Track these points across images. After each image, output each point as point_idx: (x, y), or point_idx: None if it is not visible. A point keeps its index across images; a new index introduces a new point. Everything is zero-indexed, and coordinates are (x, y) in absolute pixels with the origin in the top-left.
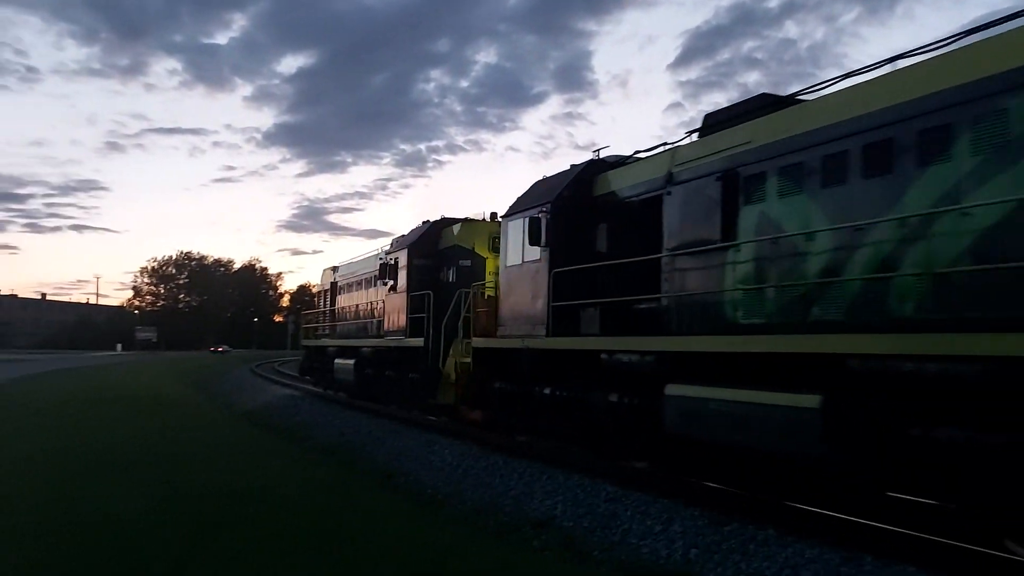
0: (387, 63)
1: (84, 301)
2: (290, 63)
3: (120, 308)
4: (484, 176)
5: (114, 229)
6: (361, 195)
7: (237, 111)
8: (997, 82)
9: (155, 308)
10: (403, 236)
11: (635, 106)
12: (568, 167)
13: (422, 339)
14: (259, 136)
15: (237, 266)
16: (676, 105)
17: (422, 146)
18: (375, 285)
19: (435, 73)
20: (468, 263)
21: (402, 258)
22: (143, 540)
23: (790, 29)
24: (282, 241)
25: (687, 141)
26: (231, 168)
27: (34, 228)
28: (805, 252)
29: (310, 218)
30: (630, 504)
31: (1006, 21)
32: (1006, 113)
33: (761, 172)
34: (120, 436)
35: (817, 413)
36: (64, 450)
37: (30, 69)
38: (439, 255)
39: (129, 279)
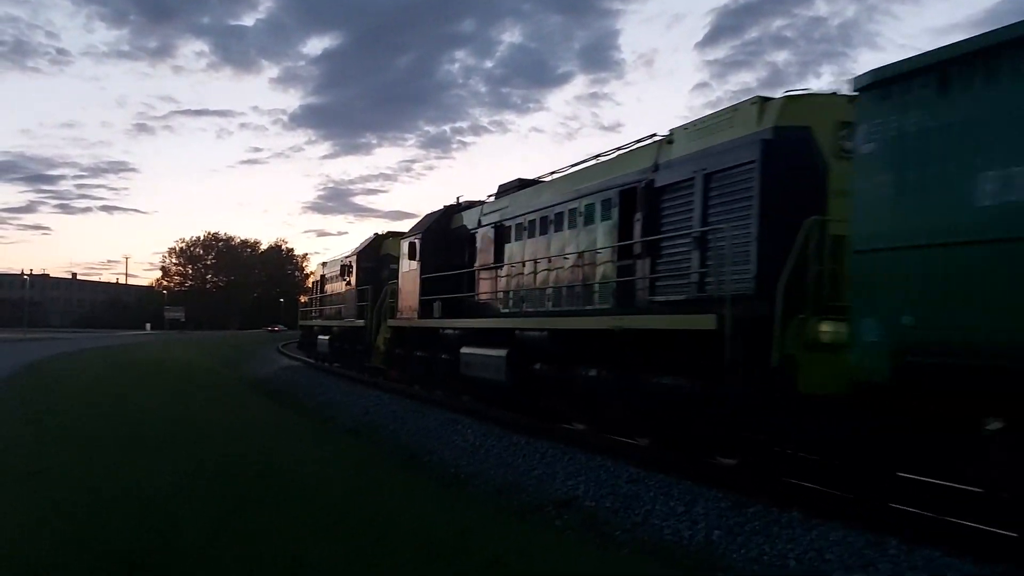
0: (412, 44)
1: (114, 281)
2: (316, 45)
3: (149, 288)
4: (508, 157)
5: (143, 210)
6: (386, 177)
7: (263, 93)
8: (585, 191)
9: (183, 288)
10: (358, 245)
11: (661, 86)
12: (442, 207)
13: (364, 321)
14: (285, 118)
15: (264, 247)
16: (703, 85)
17: (446, 127)
18: (342, 280)
19: (460, 54)
20: (395, 266)
21: (354, 261)
22: (174, 515)
23: (820, 7)
24: (308, 222)
25: (491, 200)
26: (258, 150)
27: (65, 209)
28: (520, 272)
29: (335, 200)
30: (652, 485)
31: (618, 150)
32: (593, 207)
33: (511, 226)
34: (151, 413)
35: (504, 359)
36: (97, 427)
37: (61, 52)
38: (379, 260)
39: (158, 259)
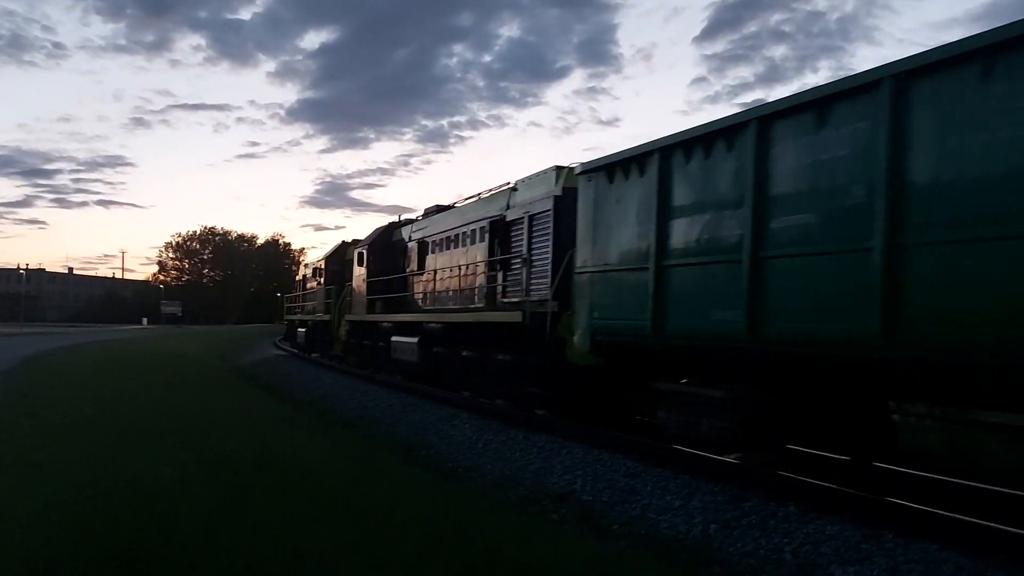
0: (409, 38)
1: (110, 275)
2: (313, 39)
3: (145, 282)
4: (506, 152)
5: (140, 204)
6: (383, 171)
7: (261, 87)
8: (471, 219)
9: (180, 283)
10: (328, 250)
11: (659, 80)
12: (387, 223)
13: (329, 315)
14: (282, 112)
15: (260, 241)
16: (701, 79)
17: (444, 122)
18: (315, 280)
19: (458, 48)
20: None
21: (323, 264)
22: (174, 507)
23: (819, 1)
24: (305, 217)
25: (423, 220)
26: (255, 144)
27: (62, 203)
28: (432, 279)
29: (333, 194)
30: (650, 479)
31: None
32: (475, 232)
33: (429, 241)
34: (149, 406)
35: (416, 345)
36: (95, 419)
37: (57, 45)
38: (343, 263)
39: (154, 254)
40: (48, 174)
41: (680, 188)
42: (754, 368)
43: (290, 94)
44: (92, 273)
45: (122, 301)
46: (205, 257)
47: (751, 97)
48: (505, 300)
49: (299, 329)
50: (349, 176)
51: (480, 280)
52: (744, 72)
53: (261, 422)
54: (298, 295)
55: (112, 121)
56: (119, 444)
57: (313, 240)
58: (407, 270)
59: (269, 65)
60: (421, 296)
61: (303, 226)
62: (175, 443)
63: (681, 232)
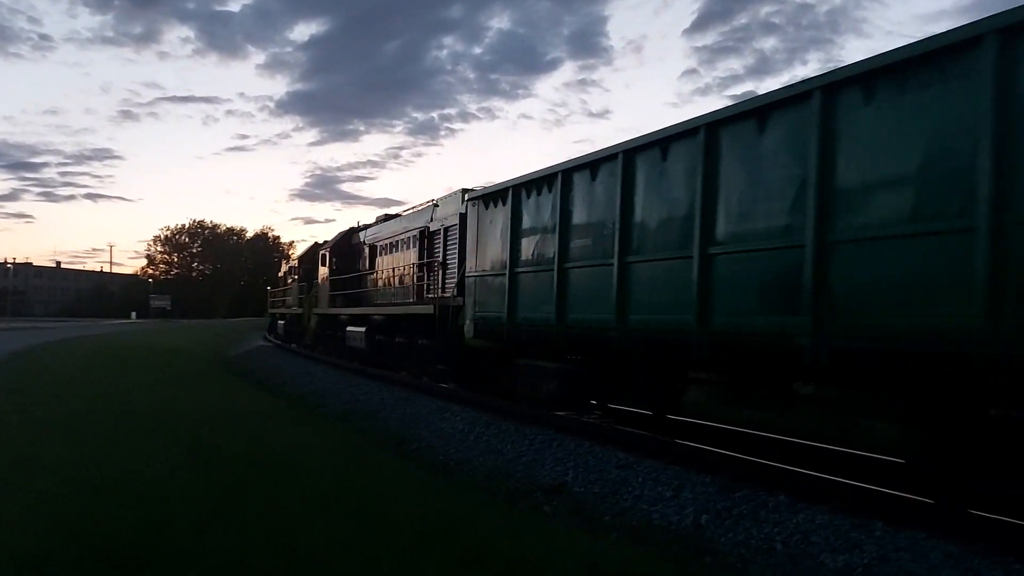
0: (400, 30)
1: (98, 269)
2: (303, 31)
3: (134, 276)
4: (497, 144)
5: (128, 198)
6: (373, 164)
7: (250, 79)
8: (407, 227)
9: (169, 276)
10: (303, 250)
11: (650, 72)
12: (348, 228)
13: (302, 309)
14: (272, 105)
15: (250, 235)
16: (691, 72)
17: (434, 114)
18: (292, 276)
19: (448, 40)
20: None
21: (298, 263)
22: (168, 501)
23: None
24: (295, 210)
25: (375, 226)
26: (244, 137)
27: (49, 197)
28: (378, 277)
29: (323, 187)
30: (641, 471)
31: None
32: (409, 239)
33: (378, 245)
34: (139, 401)
35: (364, 334)
36: (85, 415)
37: (43, 37)
38: (314, 262)
39: (143, 247)
40: (35, 167)
41: (526, 216)
42: (566, 347)
43: (280, 86)
44: (80, 267)
45: (111, 295)
46: (194, 251)
47: (741, 89)
48: (428, 296)
49: (279, 321)
50: (339, 169)
51: (410, 280)
52: (734, 64)
53: (252, 417)
54: (279, 290)
55: (99, 114)
56: (109, 440)
57: (303, 233)
58: (362, 270)
59: (258, 57)
60: (371, 292)
61: (293, 219)
62: (166, 439)
63: (524, 248)
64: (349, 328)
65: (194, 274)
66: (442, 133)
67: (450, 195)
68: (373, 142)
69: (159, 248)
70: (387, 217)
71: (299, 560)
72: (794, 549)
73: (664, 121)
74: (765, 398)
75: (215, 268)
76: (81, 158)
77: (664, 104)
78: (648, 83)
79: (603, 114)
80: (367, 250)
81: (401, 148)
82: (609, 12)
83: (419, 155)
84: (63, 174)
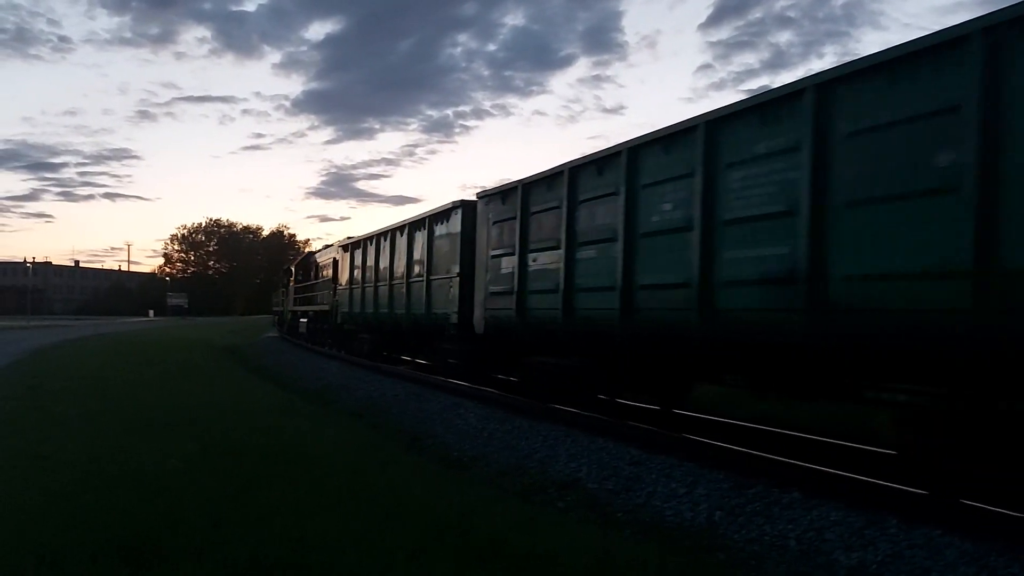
0: (414, 28)
1: (116, 268)
2: (318, 30)
3: (151, 275)
4: (511, 140)
5: (146, 197)
6: (388, 162)
7: (266, 79)
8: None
9: (185, 275)
10: (298, 259)
11: (664, 68)
12: (306, 252)
13: (284, 307)
14: (287, 103)
15: (266, 233)
16: (706, 67)
17: (449, 111)
18: (287, 279)
19: (462, 37)
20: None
21: (292, 268)
22: (181, 496)
23: None
24: (310, 208)
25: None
26: (260, 136)
27: (68, 196)
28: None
29: (338, 185)
30: (655, 467)
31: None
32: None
33: (320, 264)
34: (154, 397)
35: (306, 323)
36: (102, 410)
37: (62, 39)
38: (292, 272)
39: (160, 246)
40: (54, 167)
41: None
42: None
43: (295, 85)
44: (98, 266)
45: (128, 294)
46: (210, 249)
47: (757, 83)
48: (333, 299)
49: (276, 317)
50: (354, 167)
51: (326, 288)
52: (750, 59)
53: (267, 412)
54: (280, 290)
55: (117, 114)
56: (126, 435)
57: (319, 231)
58: (312, 280)
59: (274, 56)
60: (310, 297)
61: (308, 217)
62: (181, 434)
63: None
64: (301, 320)
65: (210, 272)
66: (456, 130)
67: (332, 246)
68: (388, 140)
69: (176, 247)
70: (326, 246)
71: (313, 553)
72: (808, 546)
73: (676, 116)
74: None
75: (231, 266)
76: (100, 158)
77: (679, 99)
78: (663, 78)
79: (617, 110)
80: (311, 267)
81: (416, 146)
82: (624, 7)
83: (433, 152)
84: (82, 174)
